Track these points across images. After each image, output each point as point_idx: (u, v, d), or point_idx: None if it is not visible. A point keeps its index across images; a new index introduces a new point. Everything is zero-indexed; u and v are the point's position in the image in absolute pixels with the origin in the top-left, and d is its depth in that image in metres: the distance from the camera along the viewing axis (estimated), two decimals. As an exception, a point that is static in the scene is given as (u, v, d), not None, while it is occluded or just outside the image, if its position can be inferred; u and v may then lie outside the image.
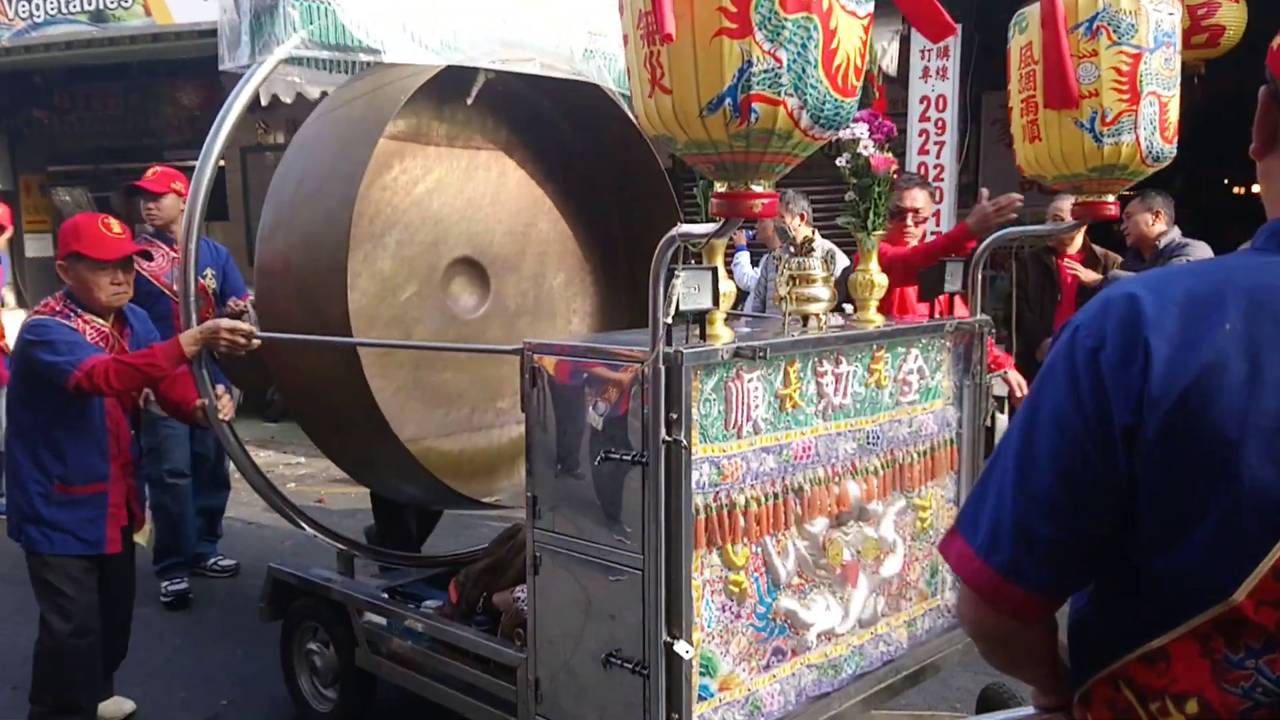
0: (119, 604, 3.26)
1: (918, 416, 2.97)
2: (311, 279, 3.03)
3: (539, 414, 2.47)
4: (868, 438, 2.81)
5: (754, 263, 5.84)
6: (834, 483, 2.71)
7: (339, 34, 3.15)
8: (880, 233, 2.99)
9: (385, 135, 3.41)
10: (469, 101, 3.62)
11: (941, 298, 3.26)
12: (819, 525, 2.68)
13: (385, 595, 3.23)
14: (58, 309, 2.99)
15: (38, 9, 8.23)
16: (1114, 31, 2.53)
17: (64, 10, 8.15)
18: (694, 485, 2.31)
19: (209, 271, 4.38)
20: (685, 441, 2.21)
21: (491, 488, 3.68)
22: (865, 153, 2.83)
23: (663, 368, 2.19)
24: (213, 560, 4.89)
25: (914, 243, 3.73)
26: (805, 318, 2.73)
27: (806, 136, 1.87)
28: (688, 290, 2.22)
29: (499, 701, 2.72)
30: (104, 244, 2.96)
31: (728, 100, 1.77)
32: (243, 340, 3.03)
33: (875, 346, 2.83)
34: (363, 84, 3.36)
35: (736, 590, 2.47)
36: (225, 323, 3.01)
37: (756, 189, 1.95)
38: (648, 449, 2.22)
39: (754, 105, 1.77)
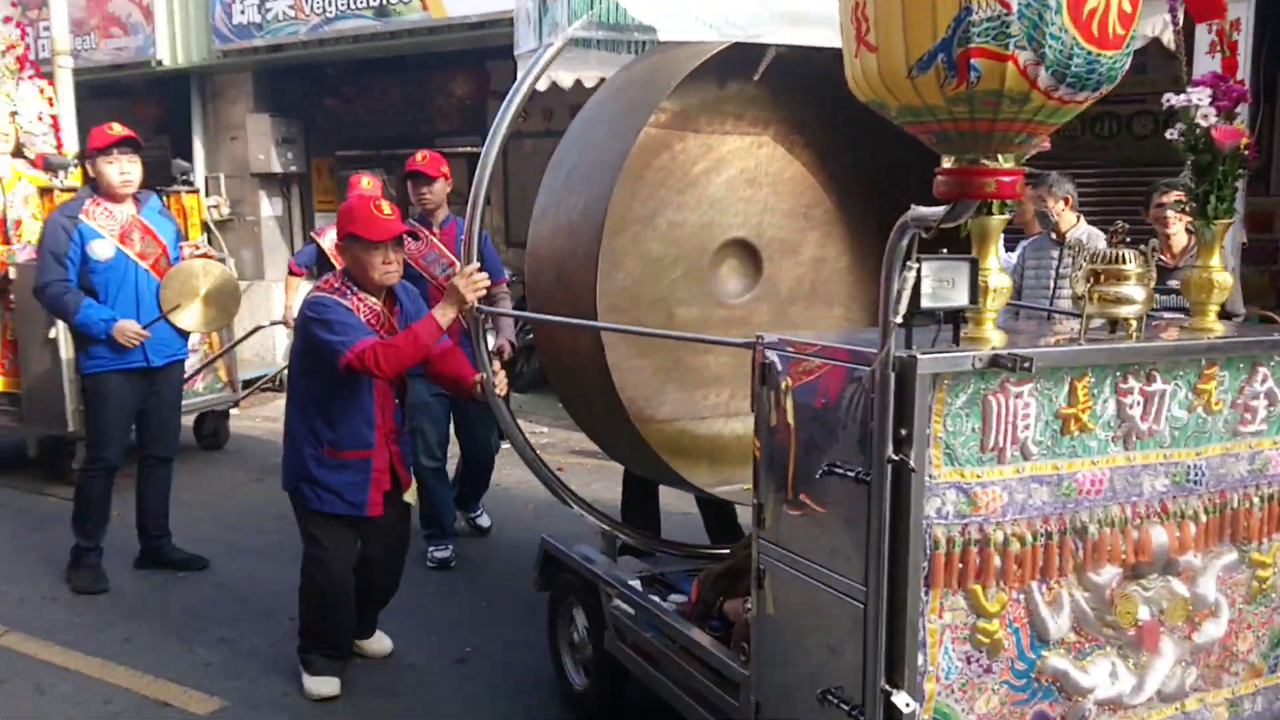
0: (387, 559, 3.55)
1: (1264, 452, 2.37)
2: (569, 264, 3.10)
3: (768, 415, 2.28)
4: (1187, 474, 2.29)
5: (1009, 247, 5.01)
6: (1133, 525, 2.23)
7: (616, 14, 3.11)
8: (1225, 221, 2.41)
9: (663, 116, 3.37)
10: (755, 78, 3.45)
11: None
12: (1107, 575, 2.23)
13: (637, 582, 3.18)
14: (336, 285, 3.23)
15: (329, 4, 9.05)
16: None
17: (352, 6, 8.93)
18: (934, 514, 1.99)
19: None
20: (914, 463, 1.90)
21: (745, 475, 3.51)
22: (1205, 123, 2.29)
23: (891, 374, 1.90)
24: (474, 515, 5.23)
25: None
26: (1113, 323, 2.26)
27: (1050, 99, 1.51)
28: (937, 284, 1.90)
29: (724, 716, 2.57)
30: (375, 225, 3.15)
31: (940, 56, 1.47)
32: (484, 289, 3.13)
33: (1206, 361, 2.28)
34: (639, 68, 3.35)
35: (987, 641, 2.12)
36: (461, 280, 3.08)
37: (989, 164, 1.60)
38: (872, 467, 1.95)
39: (973, 61, 1.45)
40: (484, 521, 5.28)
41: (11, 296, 6.05)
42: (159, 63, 10.32)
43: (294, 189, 11.25)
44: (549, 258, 3.22)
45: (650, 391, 3.28)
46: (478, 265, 3.14)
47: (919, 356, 1.91)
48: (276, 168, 10.57)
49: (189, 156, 10.29)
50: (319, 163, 11.30)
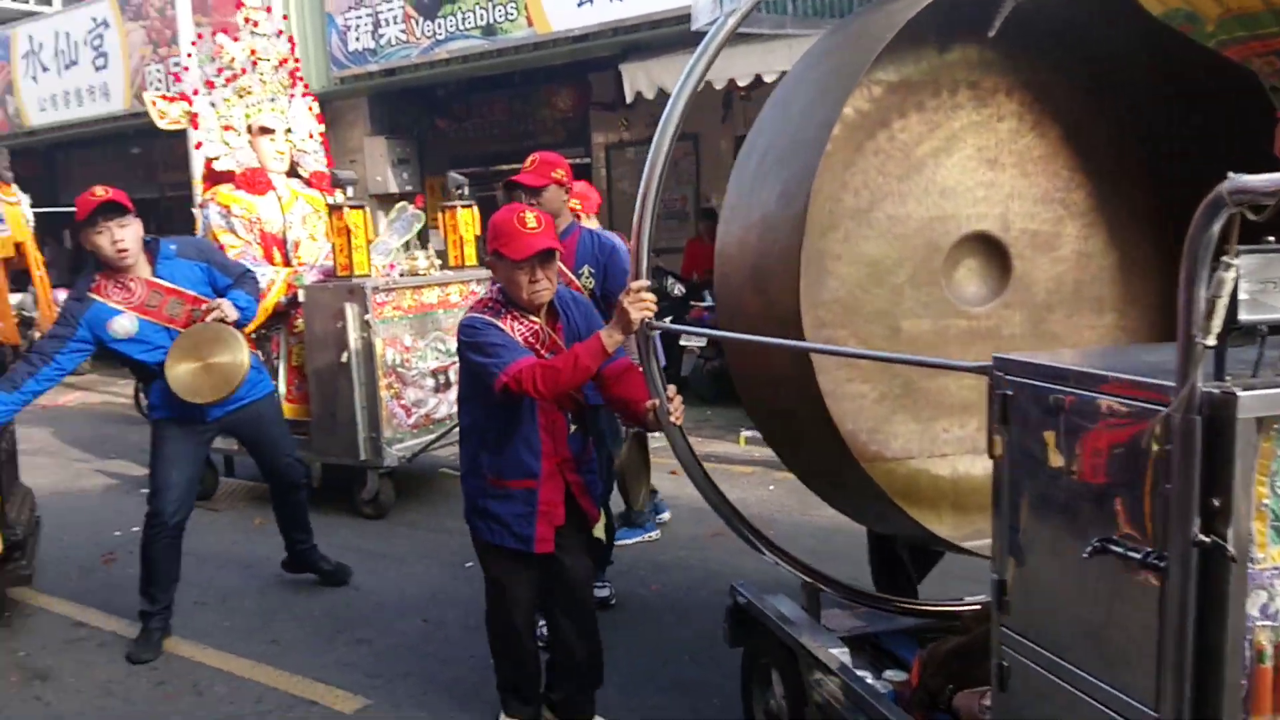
0: (574, 610, 3.21)
1: None
2: (764, 265, 2.67)
3: (1012, 464, 1.76)
4: None
5: None
6: None
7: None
8: None
9: (877, 90, 2.88)
10: (991, 34, 2.88)
11: None
12: None
13: (844, 651, 2.70)
14: (490, 304, 3.02)
15: (439, 28, 9.37)
16: None
17: (460, 27, 9.21)
18: (1258, 614, 1.44)
19: (585, 269, 4.08)
20: (1232, 546, 1.35)
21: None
22: None
23: (1197, 419, 1.35)
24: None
25: None
26: None
27: None
28: (1260, 287, 1.34)
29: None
30: (518, 241, 2.87)
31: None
32: (652, 307, 2.79)
33: None
34: (841, 34, 2.87)
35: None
36: (627, 298, 2.75)
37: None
38: (1168, 547, 1.41)
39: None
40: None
41: (299, 322, 6.06)
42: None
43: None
44: (739, 260, 2.81)
45: (875, 423, 2.78)
46: (646, 282, 2.80)
47: (1238, 393, 1.35)
48: (393, 188, 10.96)
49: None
50: (432, 181, 11.77)
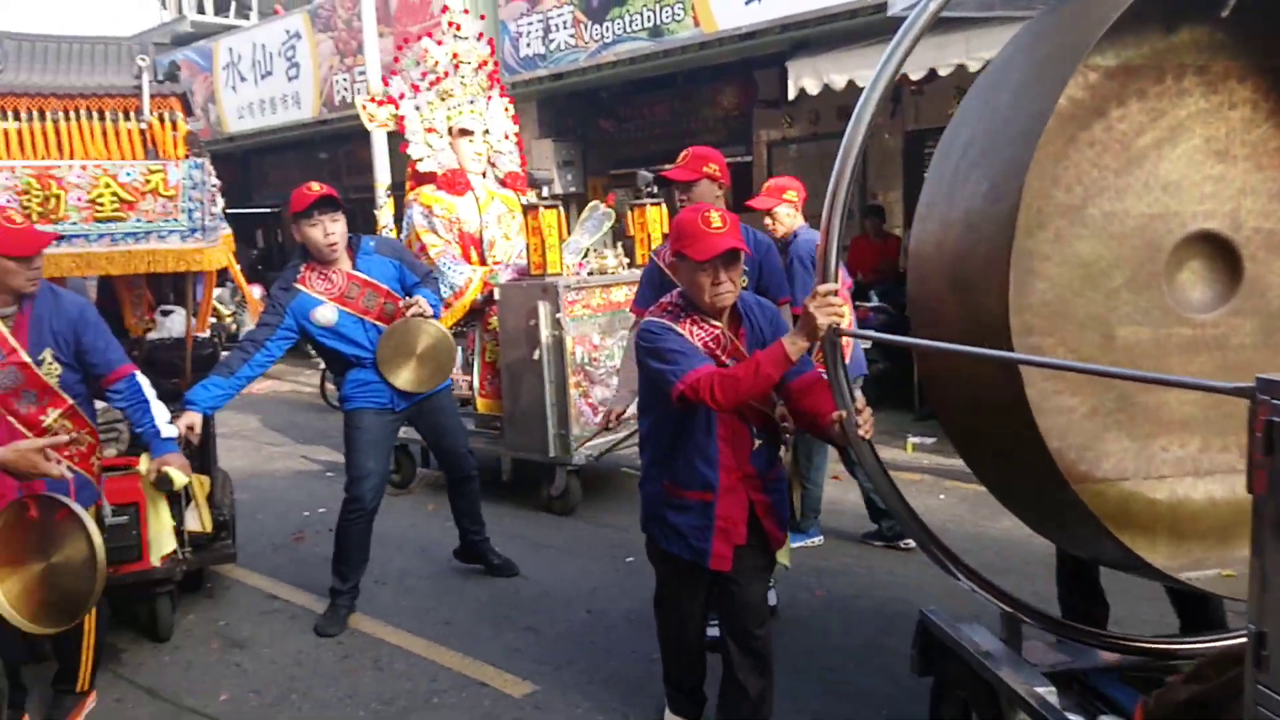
0: (746, 638, 2.96)
1: None
2: (966, 266, 2.46)
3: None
4: None
5: None
6: None
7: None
8: None
9: (1093, 76, 2.62)
10: (1224, 14, 2.58)
11: None
12: None
13: (1050, 690, 2.46)
14: (669, 308, 2.87)
15: (607, 31, 9.32)
16: None
17: (628, 29, 9.14)
18: None
19: None
20: None
21: (1223, 557, 2.62)
22: None
23: None
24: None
25: None
26: None
27: None
28: None
29: None
30: (701, 242, 2.70)
31: None
32: (841, 313, 2.54)
33: None
34: (1055, 17, 2.62)
35: None
36: (813, 302, 2.49)
37: None
38: None
39: None
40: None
41: (493, 319, 6.14)
42: (457, 99, 11.46)
43: (573, 210, 11.97)
44: (937, 261, 2.60)
45: (1086, 440, 2.50)
46: (834, 286, 2.53)
47: None
48: (559, 190, 11.08)
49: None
50: (594, 182, 11.87)
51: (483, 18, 7.56)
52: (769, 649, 3.00)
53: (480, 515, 4.83)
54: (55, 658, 3.56)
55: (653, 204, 6.19)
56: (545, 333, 5.61)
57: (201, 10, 15.72)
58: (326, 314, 4.16)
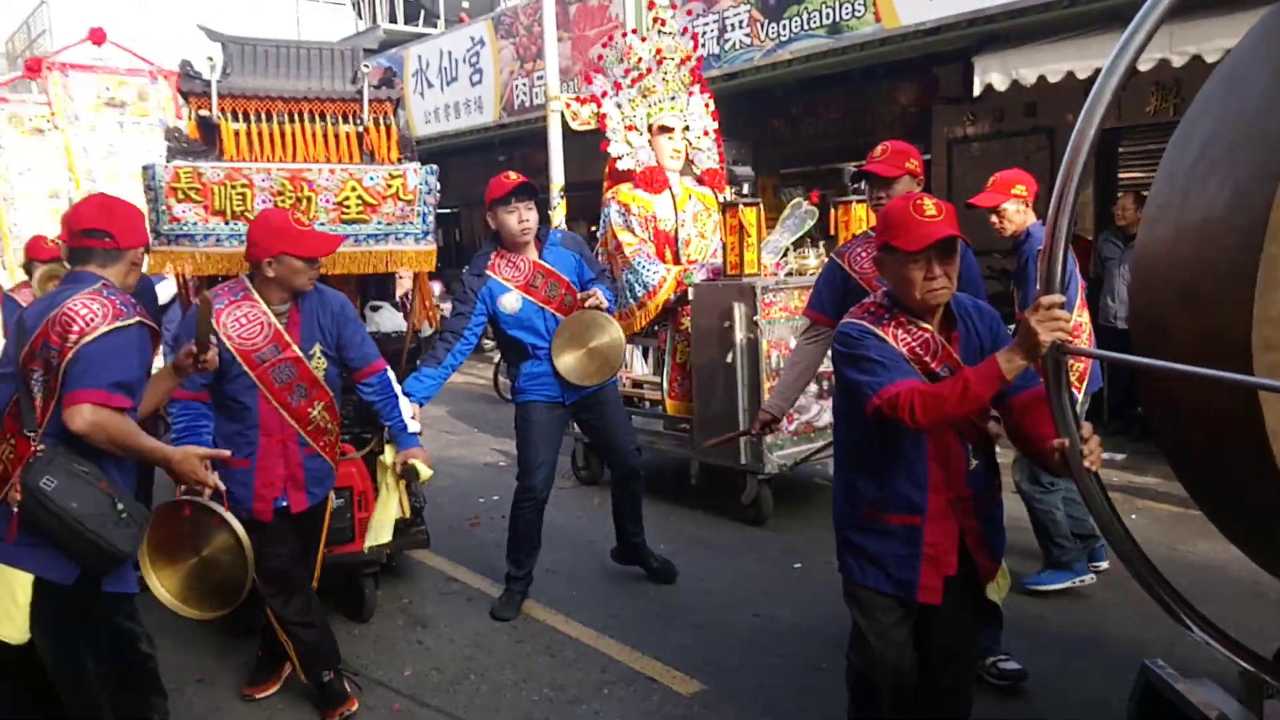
0: (946, 687, 2.70)
1: None
2: (1202, 280, 2.19)
3: None
4: None
5: None
6: None
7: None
8: None
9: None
10: None
11: None
12: None
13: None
14: (871, 309, 2.58)
15: (784, 29, 9.03)
16: None
17: (806, 26, 8.84)
18: None
19: None
20: None
21: None
22: None
23: None
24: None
25: None
26: None
27: None
28: None
29: None
30: (914, 230, 2.43)
31: None
32: (1067, 328, 2.20)
33: None
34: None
35: None
36: (1035, 315, 2.20)
37: None
38: None
39: None
40: (1009, 665, 3.62)
41: (685, 320, 5.97)
42: (630, 100, 11.49)
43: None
44: (1167, 270, 2.32)
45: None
46: (1060, 298, 2.21)
47: None
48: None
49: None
50: (764, 181, 11.56)
51: (690, 12, 7.43)
52: (969, 701, 2.75)
53: (641, 516, 4.82)
54: (263, 649, 3.76)
55: (859, 201, 5.82)
56: (740, 335, 5.45)
57: (393, 20, 16.58)
58: (512, 301, 4.26)
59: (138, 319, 2.61)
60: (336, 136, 4.26)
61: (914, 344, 2.52)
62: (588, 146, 11.19)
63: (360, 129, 4.30)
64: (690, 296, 5.86)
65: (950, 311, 2.57)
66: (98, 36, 8.88)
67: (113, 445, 2.54)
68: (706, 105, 6.55)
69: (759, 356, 5.42)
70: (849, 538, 2.66)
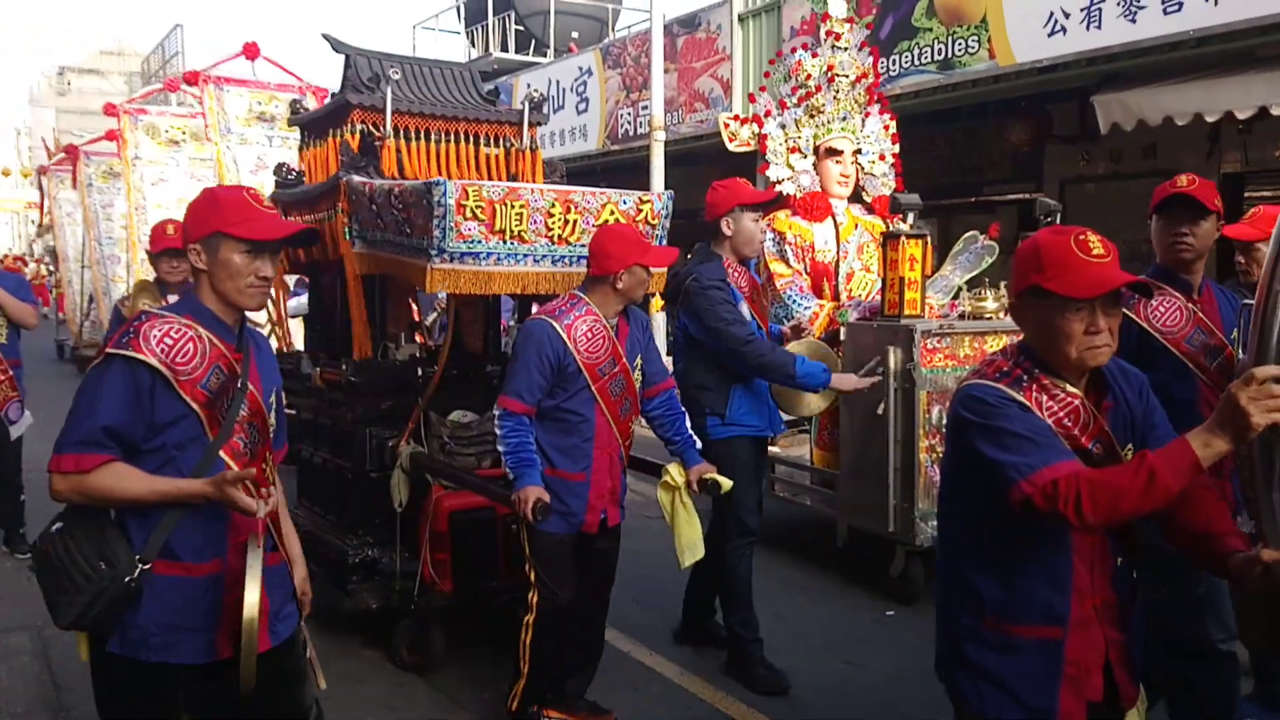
0: None
1: None
2: None
3: None
4: None
5: None
6: None
7: None
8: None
9: None
10: None
11: None
12: None
13: None
14: (1007, 368, 2.05)
15: (894, 63, 8.90)
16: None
17: (916, 62, 8.74)
18: None
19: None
20: None
21: None
22: None
23: None
24: None
25: None
26: None
27: None
28: None
29: None
30: (1078, 273, 1.93)
31: None
32: None
33: None
34: None
35: None
36: (1245, 391, 1.74)
37: None
38: None
39: None
40: None
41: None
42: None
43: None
44: None
45: None
46: (1277, 370, 1.77)
47: None
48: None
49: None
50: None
51: (869, 26, 7.08)
52: None
53: (739, 599, 4.14)
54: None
55: None
56: (893, 385, 4.70)
57: (504, 48, 16.96)
58: (744, 313, 3.96)
59: (123, 353, 2.11)
60: (483, 158, 4.23)
61: (1061, 413, 2.01)
62: (690, 175, 11.25)
63: (506, 150, 4.27)
64: (842, 337, 5.11)
65: (1100, 374, 2.08)
66: (251, 51, 9.08)
67: (106, 504, 2.15)
68: (886, 128, 5.93)
69: (915, 410, 4.68)
70: (964, 653, 2.10)
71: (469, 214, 3.44)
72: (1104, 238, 2.02)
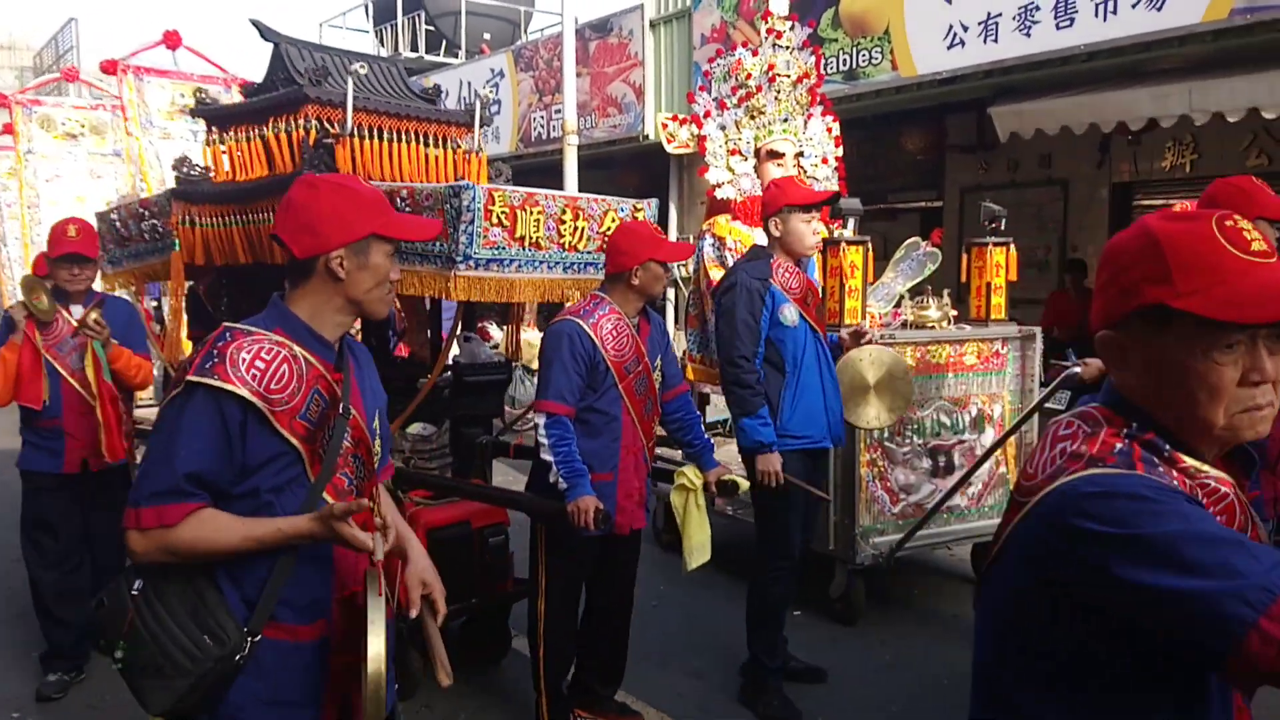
0: None
1: None
2: None
3: None
4: None
5: None
6: None
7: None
8: None
9: None
10: None
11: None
12: None
13: None
14: (1121, 448, 1.23)
15: None
16: None
17: (823, 71, 8.37)
18: None
19: None
20: None
21: None
22: None
23: None
24: None
25: None
26: None
27: None
28: None
29: None
30: (1229, 277, 1.17)
31: None
32: None
33: None
34: None
35: None
36: None
37: None
38: None
39: None
40: None
41: None
42: (645, 137, 11.33)
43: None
44: None
45: None
46: None
47: None
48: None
49: (665, 221, 10.65)
50: None
51: (812, 24, 6.82)
52: None
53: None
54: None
55: (997, 244, 4.93)
56: None
57: (414, 49, 16.64)
58: (791, 314, 3.71)
59: (207, 381, 1.73)
60: (426, 158, 3.97)
61: (1210, 500, 1.25)
62: (599, 177, 11.20)
63: (452, 151, 4.06)
64: None
65: (1247, 454, 1.36)
66: (172, 40, 8.40)
67: (196, 560, 1.77)
68: (829, 130, 5.68)
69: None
70: None
71: (495, 219, 3.33)
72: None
